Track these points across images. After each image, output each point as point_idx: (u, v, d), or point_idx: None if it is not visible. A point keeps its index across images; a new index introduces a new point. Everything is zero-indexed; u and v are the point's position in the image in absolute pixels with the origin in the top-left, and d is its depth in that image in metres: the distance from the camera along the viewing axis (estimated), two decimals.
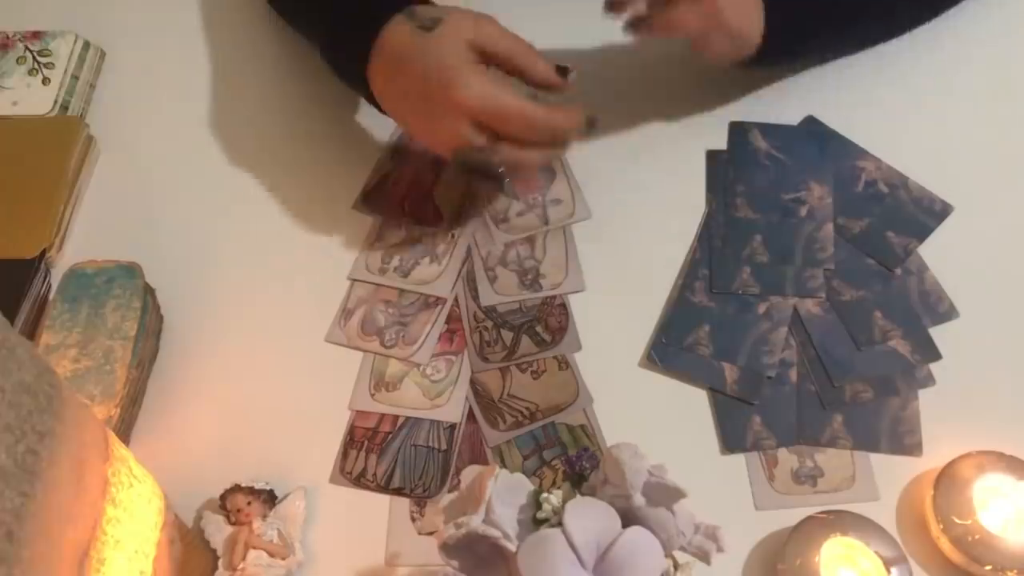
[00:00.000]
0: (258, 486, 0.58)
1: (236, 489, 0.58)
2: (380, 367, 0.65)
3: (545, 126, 0.59)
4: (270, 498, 0.58)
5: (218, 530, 0.57)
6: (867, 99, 0.73)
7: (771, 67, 0.72)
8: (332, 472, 0.61)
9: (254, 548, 0.56)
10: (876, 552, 0.54)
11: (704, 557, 0.46)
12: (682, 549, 0.46)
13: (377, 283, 0.68)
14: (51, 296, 0.65)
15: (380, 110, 0.65)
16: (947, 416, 0.61)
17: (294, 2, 0.75)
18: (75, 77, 0.78)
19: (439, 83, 0.58)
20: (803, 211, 0.68)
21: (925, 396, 0.62)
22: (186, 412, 0.64)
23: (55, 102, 0.76)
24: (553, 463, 0.61)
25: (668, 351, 0.64)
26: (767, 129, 0.72)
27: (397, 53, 0.60)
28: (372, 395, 0.63)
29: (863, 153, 0.71)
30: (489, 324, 0.66)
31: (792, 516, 0.56)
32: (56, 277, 0.67)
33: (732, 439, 0.61)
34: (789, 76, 0.75)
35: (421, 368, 0.64)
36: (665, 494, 0.45)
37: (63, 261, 0.70)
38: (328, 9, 0.68)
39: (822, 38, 0.71)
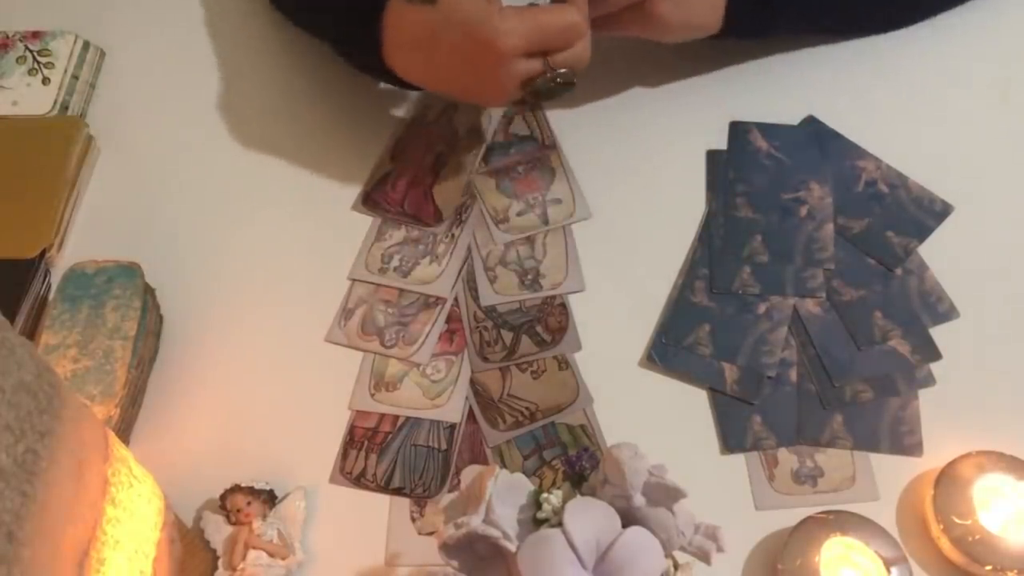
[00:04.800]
0: (258, 486, 0.58)
1: (236, 489, 0.58)
2: (380, 367, 0.65)
3: (585, 21, 0.60)
4: (270, 498, 0.58)
5: (218, 530, 0.57)
6: (867, 99, 0.73)
7: (741, 41, 0.72)
8: (332, 472, 0.61)
9: (254, 548, 0.56)
10: (876, 552, 0.54)
11: (704, 557, 0.46)
12: (682, 549, 0.46)
13: (377, 283, 0.68)
14: (51, 296, 0.65)
15: (409, 87, 0.66)
16: (947, 416, 0.61)
17: (297, 11, 0.76)
18: (75, 77, 0.78)
19: (476, 43, 0.58)
20: (803, 211, 0.68)
21: (925, 396, 0.62)
22: (186, 412, 0.64)
23: (55, 102, 0.76)
24: (553, 463, 0.61)
25: (668, 351, 0.64)
26: (767, 129, 0.72)
27: (415, 35, 0.61)
28: (372, 395, 0.63)
29: (863, 153, 0.71)
30: (489, 324, 0.66)
31: (792, 516, 0.56)
32: (56, 277, 0.67)
33: (732, 439, 0.61)
34: (787, 69, 0.75)
35: (421, 368, 0.64)
36: (665, 494, 0.45)
37: (63, 261, 0.70)
38: (327, 11, 0.68)
39: (790, 14, 0.71)
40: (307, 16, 0.73)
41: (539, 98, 0.62)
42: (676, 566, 0.46)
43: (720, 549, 0.46)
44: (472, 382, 0.64)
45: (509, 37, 0.57)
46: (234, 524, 0.57)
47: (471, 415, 0.63)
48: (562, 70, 0.60)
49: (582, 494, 0.46)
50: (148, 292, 0.65)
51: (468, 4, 0.58)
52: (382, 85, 0.75)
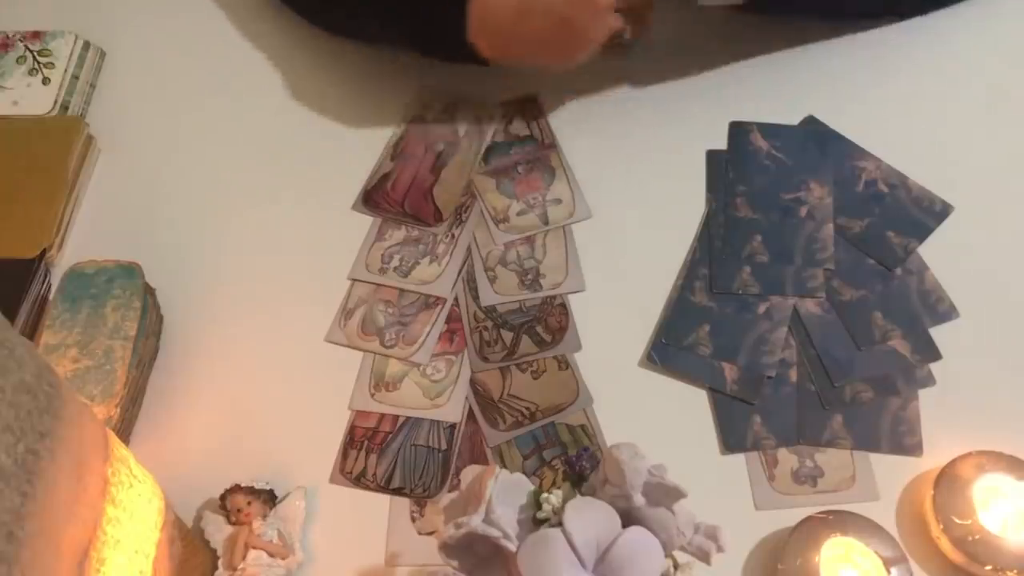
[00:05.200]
0: (258, 486, 0.58)
1: (236, 489, 0.58)
2: (380, 367, 0.65)
3: None
4: (270, 498, 0.58)
5: (218, 530, 0.57)
6: (867, 99, 0.73)
7: (770, 14, 0.73)
8: (332, 472, 0.61)
9: (254, 548, 0.56)
10: (876, 552, 0.53)
11: (704, 557, 0.46)
12: (682, 549, 0.46)
13: (377, 283, 0.68)
14: (51, 296, 0.65)
15: (481, 63, 0.68)
16: (947, 416, 0.61)
17: (360, 15, 0.75)
18: (75, 77, 0.78)
19: (573, 4, 0.62)
20: (803, 211, 0.68)
21: (925, 396, 0.62)
22: (186, 412, 0.64)
23: (55, 102, 0.76)
24: (553, 463, 0.61)
25: (668, 351, 0.64)
26: (767, 129, 0.72)
27: (510, 9, 0.63)
28: (372, 395, 0.63)
29: (863, 153, 0.71)
30: (489, 324, 0.66)
31: (792, 516, 0.56)
32: (56, 277, 0.67)
33: (732, 439, 0.61)
34: (787, 68, 0.75)
35: (421, 368, 0.64)
36: (665, 494, 0.45)
37: (63, 261, 0.70)
38: (402, 11, 0.69)
39: None
40: (375, 12, 0.72)
41: (621, 51, 0.66)
42: (676, 566, 0.46)
43: (720, 549, 0.46)
44: (472, 382, 0.64)
45: None
46: (234, 524, 0.57)
47: (471, 415, 0.63)
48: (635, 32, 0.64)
49: (582, 494, 0.46)
50: (148, 292, 0.65)
51: None
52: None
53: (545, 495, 0.46)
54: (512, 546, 0.44)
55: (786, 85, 0.74)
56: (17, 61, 0.78)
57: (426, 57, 0.72)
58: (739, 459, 0.60)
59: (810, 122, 0.73)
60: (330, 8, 0.76)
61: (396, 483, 0.60)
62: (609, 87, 0.75)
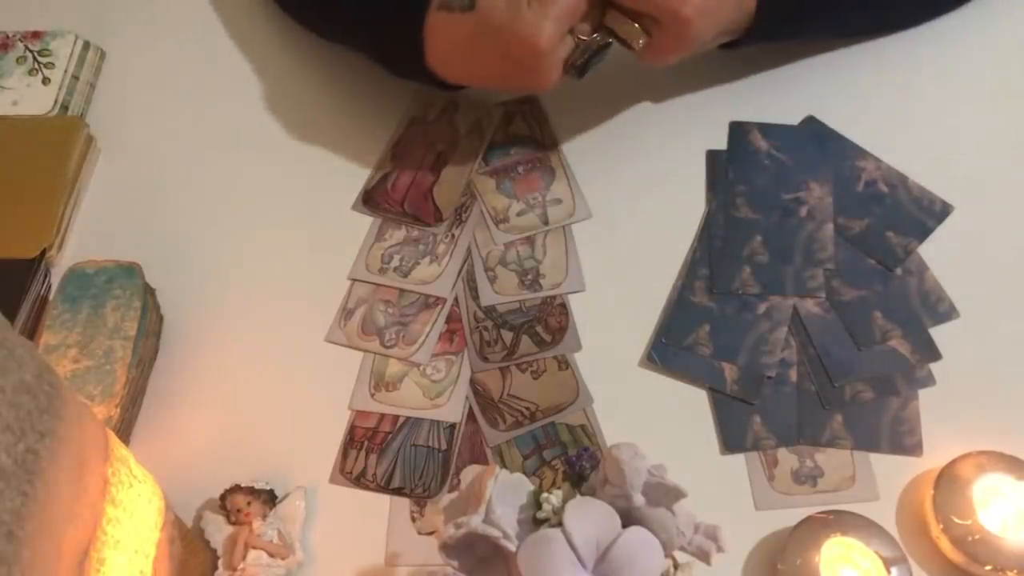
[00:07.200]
0: (258, 486, 0.58)
1: (236, 489, 0.58)
2: (380, 367, 0.65)
3: None
4: (270, 498, 0.58)
5: (218, 530, 0.57)
6: (867, 99, 0.73)
7: (762, 44, 0.71)
8: (332, 472, 0.61)
9: (254, 548, 0.56)
10: (876, 552, 0.54)
11: (704, 557, 0.46)
12: (682, 549, 0.46)
13: (377, 283, 0.68)
14: (51, 296, 0.65)
15: (451, 89, 0.67)
16: (947, 416, 0.61)
17: (330, 26, 0.75)
18: (75, 77, 0.78)
19: (514, 45, 0.58)
20: (803, 211, 0.68)
21: (925, 396, 0.62)
22: (186, 412, 0.64)
23: (55, 102, 0.76)
24: (553, 463, 0.61)
25: (668, 351, 0.64)
26: (767, 129, 0.72)
27: (457, 42, 0.61)
28: (372, 395, 0.63)
29: (863, 153, 0.71)
30: (489, 324, 0.66)
31: (792, 516, 0.56)
32: (56, 277, 0.67)
33: (732, 439, 0.61)
34: (787, 68, 0.75)
35: (421, 368, 0.64)
36: (665, 494, 0.45)
37: (63, 261, 0.70)
38: (365, 26, 0.69)
39: (816, 20, 0.71)
40: (343, 29, 0.73)
41: (584, 73, 0.63)
42: (676, 566, 0.46)
43: (720, 549, 0.46)
44: (472, 382, 0.64)
45: (543, 30, 0.57)
46: (234, 524, 0.57)
47: (471, 415, 0.63)
48: (592, 37, 0.60)
49: (582, 494, 0.46)
50: (148, 292, 0.65)
51: (500, 6, 0.58)
52: (413, 85, 0.75)
53: (545, 495, 0.46)
54: (512, 546, 0.44)
55: (786, 85, 0.74)
56: (17, 61, 0.78)
57: (395, 76, 0.71)
58: (739, 459, 0.60)
59: (810, 122, 0.73)
60: (309, 15, 0.77)
61: (396, 483, 0.60)
62: (609, 87, 0.75)
